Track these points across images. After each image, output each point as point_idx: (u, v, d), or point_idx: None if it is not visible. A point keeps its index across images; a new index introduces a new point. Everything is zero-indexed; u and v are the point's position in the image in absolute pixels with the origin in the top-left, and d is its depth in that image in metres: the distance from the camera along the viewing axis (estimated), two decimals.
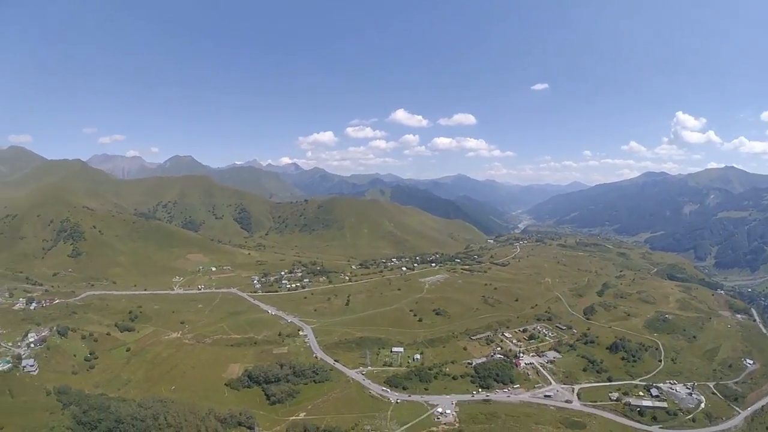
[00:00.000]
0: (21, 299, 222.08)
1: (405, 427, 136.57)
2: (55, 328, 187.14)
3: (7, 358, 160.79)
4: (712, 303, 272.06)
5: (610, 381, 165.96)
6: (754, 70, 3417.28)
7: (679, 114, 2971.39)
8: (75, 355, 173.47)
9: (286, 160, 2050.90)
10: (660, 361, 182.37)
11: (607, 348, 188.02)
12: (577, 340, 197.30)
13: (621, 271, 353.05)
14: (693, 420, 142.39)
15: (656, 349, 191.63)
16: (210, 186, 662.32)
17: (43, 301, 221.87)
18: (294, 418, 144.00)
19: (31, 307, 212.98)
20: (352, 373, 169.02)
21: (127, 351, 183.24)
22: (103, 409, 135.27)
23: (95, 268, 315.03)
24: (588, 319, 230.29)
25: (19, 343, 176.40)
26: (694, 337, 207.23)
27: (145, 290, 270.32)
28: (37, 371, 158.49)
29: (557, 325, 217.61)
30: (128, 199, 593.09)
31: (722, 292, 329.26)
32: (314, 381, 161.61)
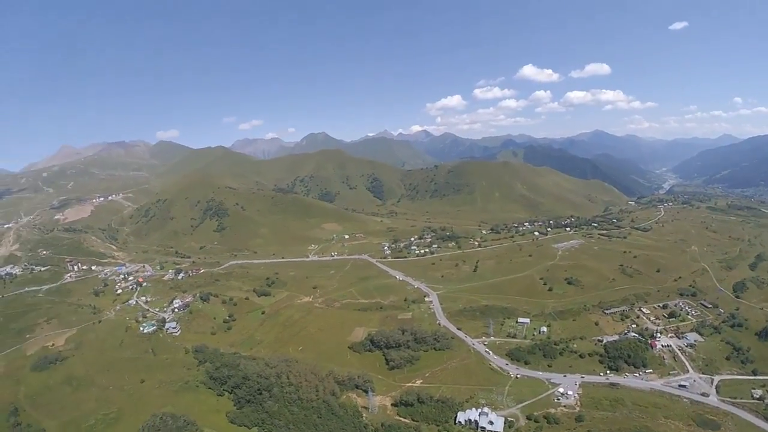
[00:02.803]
0: (170, 271, 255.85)
1: (521, 405, 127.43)
2: (198, 294, 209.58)
3: (152, 322, 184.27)
4: None
5: (755, 374, 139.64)
6: None
7: None
8: (215, 318, 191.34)
9: (416, 128, 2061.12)
10: None
11: (756, 334, 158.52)
12: (723, 322, 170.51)
13: None
14: None
15: None
16: (343, 158, 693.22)
17: (190, 272, 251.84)
18: (410, 384, 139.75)
19: (179, 277, 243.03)
20: (474, 343, 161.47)
21: (262, 314, 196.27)
22: (233, 366, 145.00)
23: (238, 241, 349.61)
24: (737, 297, 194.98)
25: (165, 309, 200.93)
26: None
27: (283, 258, 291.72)
28: (179, 332, 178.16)
29: (702, 302, 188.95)
30: (268, 176, 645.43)
31: None
32: (434, 348, 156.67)
